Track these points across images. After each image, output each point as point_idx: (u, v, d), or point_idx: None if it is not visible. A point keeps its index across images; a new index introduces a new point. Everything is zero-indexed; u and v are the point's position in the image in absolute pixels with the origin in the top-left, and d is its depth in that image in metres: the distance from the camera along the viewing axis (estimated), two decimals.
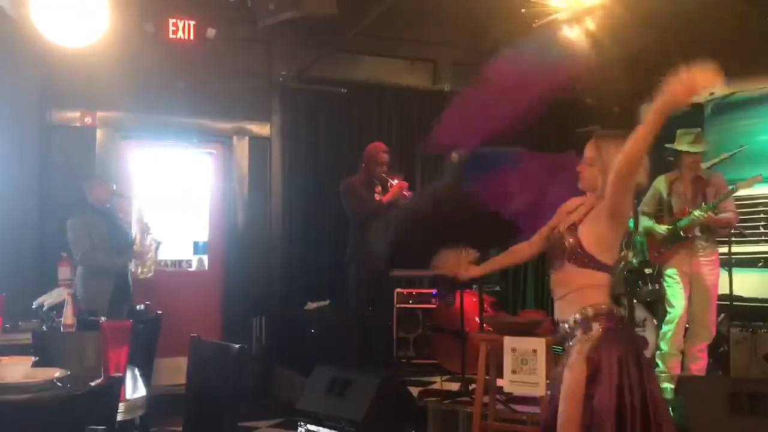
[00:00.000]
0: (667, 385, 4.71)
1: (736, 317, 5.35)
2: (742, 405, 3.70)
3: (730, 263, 5.21)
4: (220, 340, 5.60)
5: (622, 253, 4.75)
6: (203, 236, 6.98)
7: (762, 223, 6.27)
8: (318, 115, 7.10)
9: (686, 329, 4.93)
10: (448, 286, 5.65)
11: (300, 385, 5.23)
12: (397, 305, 6.39)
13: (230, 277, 6.91)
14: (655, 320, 5.51)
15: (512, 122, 2.74)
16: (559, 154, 2.91)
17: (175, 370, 5.19)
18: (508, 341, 4.02)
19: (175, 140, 6.86)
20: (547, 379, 3.68)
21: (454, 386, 5.06)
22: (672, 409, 4.17)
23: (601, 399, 2.57)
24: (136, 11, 5.78)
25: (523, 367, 3.96)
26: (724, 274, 5.10)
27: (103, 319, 3.90)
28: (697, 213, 4.82)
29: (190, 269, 6.91)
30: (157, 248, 5.67)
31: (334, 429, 4.35)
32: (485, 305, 5.56)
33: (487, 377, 4.19)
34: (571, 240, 2.71)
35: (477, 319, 5.43)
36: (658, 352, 4.94)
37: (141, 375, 3.27)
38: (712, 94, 4.75)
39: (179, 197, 6.91)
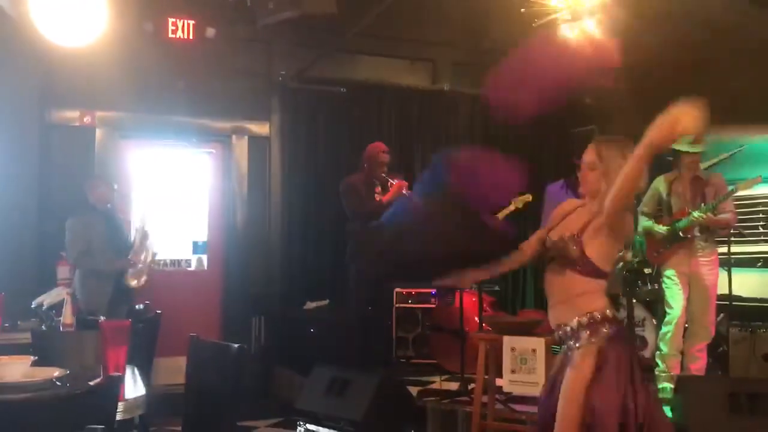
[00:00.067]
0: (667, 385, 4.71)
1: (735, 317, 5.35)
2: (741, 405, 3.70)
3: (729, 263, 5.21)
4: (220, 339, 5.59)
5: (621, 253, 4.75)
6: (202, 236, 6.97)
7: (761, 223, 6.28)
8: (317, 114, 7.09)
9: (685, 329, 4.93)
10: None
11: (299, 385, 5.23)
12: (397, 305, 6.39)
13: (229, 276, 6.91)
14: (654, 320, 5.51)
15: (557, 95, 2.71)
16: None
17: (174, 370, 5.19)
18: (508, 341, 4.03)
19: (175, 140, 6.85)
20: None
21: (454, 386, 5.06)
22: (671, 409, 4.18)
23: (605, 400, 2.60)
24: (136, 11, 5.78)
25: (522, 366, 3.96)
26: (723, 274, 5.10)
27: (102, 318, 3.90)
28: (696, 214, 4.82)
29: (189, 269, 6.91)
30: (152, 258, 5.62)
31: (333, 428, 4.35)
32: (484, 305, 5.56)
33: (486, 377, 4.19)
34: (576, 249, 2.73)
35: (476, 318, 5.44)
36: (657, 352, 4.94)
37: (140, 374, 3.27)
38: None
39: (178, 197, 6.91)
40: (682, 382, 4.11)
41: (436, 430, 4.66)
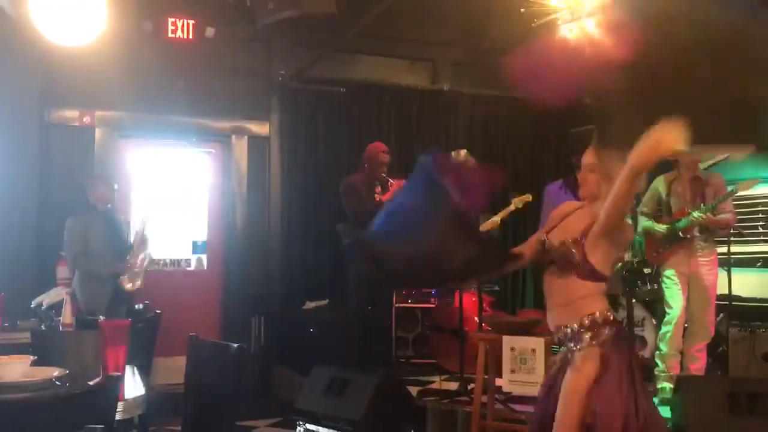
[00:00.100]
0: (667, 385, 4.71)
1: (734, 317, 5.36)
2: (740, 405, 3.71)
3: (729, 263, 5.21)
4: (219, 339, 5.59)
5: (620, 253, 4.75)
6: (202, 235, 6.97)
7: (761, 223, 6.28)
8: (317, 114, 7.09)
9: (685, 329, 4.93)
10: None
11: (299, 385, 5.23)
12: (396, 304, 6.38)
13: (229, 276, 6.91)
14: (653, 320, 5.51)
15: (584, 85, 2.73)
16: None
17: (174, 370, 5.19)
18: (507, 341, 4.03)
19: (174, 139, 6.86)
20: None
21: (453, 386, 5.06)
22: (671, 409, 4.18)
23: (608, 402, 2.63)
24: (135, 10, 5.78)
25: (521, 366, 3.97)
26: (722, 274, 5.10)
27: (101, 318, 3.90)
28: (695, 214, 4.82)
29: (189, 268, 6.91)
30: (148, 263, 5.59)
31: (333, 428, 4.35)
32: (484, 305, 5.56)
33: (485, 377, 4.20)
34: (578, 255, 2.74)
35: (476, 318, 5.44)
36: (657, 352, 4.94)
37: (140, 374, 3.28)
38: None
39: (178, 197, 6.91)
40: (682, 382, 4.10)
41: (435, 429, 4.66)
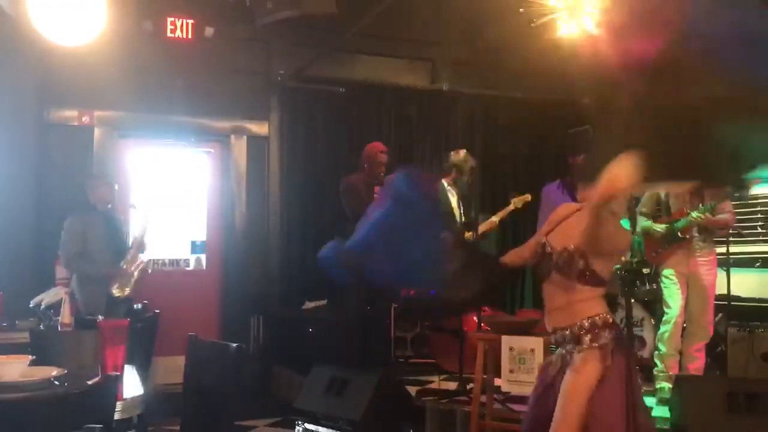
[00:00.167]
0: (665, 385, 4.71)
1: (733, 317, 5.36)
2: (739, 404, 3.71)
3: (727, 263, 5.21)
4: (218, 339, 5.60)
5: None
6: (201, 235, 6.97)
7: (760, 223, 6.29)
8: (316, 114, 7.09)
9: (684, 329, 4.93)
10: None
11: (298, 384, 5.23)
12: (396, 304, 6.37)
13: (228, 276, 6.91)
14: (652, 320, 5.51)
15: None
16: None
17: (172, 369, 5.19)
18: (506, 340, 4.03)
19: (173, 139, 6.85)
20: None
21: (452, 385, 5.06)
22: (670, 409, 4.19)
23: (609, 404, 2.66)
24: (135, 10, 5.78)
25: (520, 366, 3.97)
26: (721, 274, 5.10)
27: (100, 318, 3.90)
28: (694, 214, 4.82)
29: (187, 268, 6.90)
30: (140, 272, 5.55)
31: (332, 428, 4.35)
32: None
33: (484, 376, 4.20)
34: (581, 262, 2.77)
35: (475, 318, 5.44)
36: (656, 352, 4.94)
37: (139, 374, 3.28)
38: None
39: (177, 196, 6.90)
40: (681, 382, 4.11)
41: (434, 429, 4.66)
